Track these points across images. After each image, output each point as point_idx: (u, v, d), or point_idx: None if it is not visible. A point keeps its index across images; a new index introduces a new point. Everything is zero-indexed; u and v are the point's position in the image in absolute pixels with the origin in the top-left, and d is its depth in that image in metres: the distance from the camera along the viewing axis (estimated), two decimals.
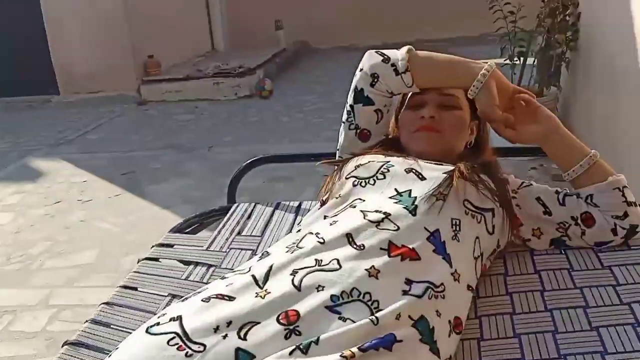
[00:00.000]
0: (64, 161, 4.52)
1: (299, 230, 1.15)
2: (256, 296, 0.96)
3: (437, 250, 1.05)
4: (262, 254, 1.11)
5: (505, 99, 1.28)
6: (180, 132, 5.08)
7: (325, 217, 1.17)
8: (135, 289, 1.37)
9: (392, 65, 1.29)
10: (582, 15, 3.19)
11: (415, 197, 1.11)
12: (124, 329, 1.20)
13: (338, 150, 1.44)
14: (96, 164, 4.38)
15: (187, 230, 1.66)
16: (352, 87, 1.36)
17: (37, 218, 3.54)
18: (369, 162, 1.23)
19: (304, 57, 7.85)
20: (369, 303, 0.93)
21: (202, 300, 0.98)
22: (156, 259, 1.49)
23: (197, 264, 1.45)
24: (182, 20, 7.13)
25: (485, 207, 1.17)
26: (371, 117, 1.36)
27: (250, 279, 1.00)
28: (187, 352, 0.89)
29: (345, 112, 1.39)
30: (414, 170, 1.18)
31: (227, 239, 1.55)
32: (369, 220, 1.06)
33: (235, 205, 1.74)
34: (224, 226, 1.62)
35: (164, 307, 1.26)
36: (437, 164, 1.21)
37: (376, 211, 1.08)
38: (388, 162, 1.22)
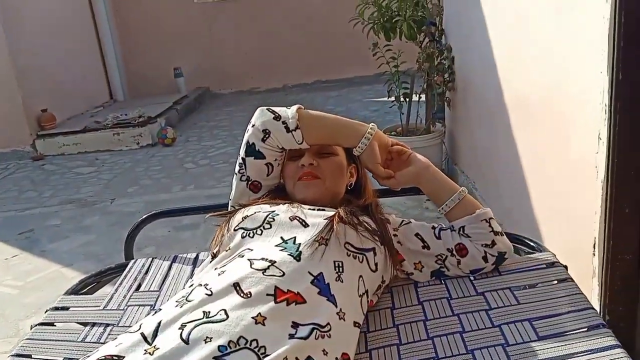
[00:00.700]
0: None
1: (191, 285, 1.19)
2: (145, 353, 0.99)
3: (322, 292, 1.12)
4: (155, 311, 1.14)
5: (384, 153, 1.42)
6: (81, 186, 4.94)
7: (215, 268, 1.22)
8: (29, 356, 1.34)
9: (283, 122, 1.37)
10: (456, 59, 3.44)
11: (300, 244, 1.19)
12: None
13: (230, 200, 1.49)
14: None
15: (83, 291, 1.64)
16: (244, 141, 1.43)
17: None
18: (255, 212, 1.30)
19: (206, 102, 7.87)
20: (256, 350, 0.99)
21: None
22: (51, 324, 1.47)
23: (93, 324, 1.44)
24: (76, 72, 6.99)
25: (366, 247, 1.26)
26: (262, 169, 1.43)
27: (139, 337, 1.03)
28: None
29: (237, 164, 1.46)
30: (297, 218, 1.26)
31: (124, 296, 1.56)
32: (255, 269, 1.12)
33: (133, 261, 1.75)
34: (121, 283, 1.63)
35: None
36: (320, 210, 1.31)
37: (262, 259, 1.15)
38: (273, 211, 1.29)
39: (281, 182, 1.48)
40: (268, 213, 1.29)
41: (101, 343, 1.35)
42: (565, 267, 1.37)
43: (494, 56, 2.61)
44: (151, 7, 7.95)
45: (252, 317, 1.02)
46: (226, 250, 1.28)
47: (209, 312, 1.04)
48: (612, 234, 1.49)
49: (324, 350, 1.05)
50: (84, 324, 1.45)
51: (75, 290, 1.63)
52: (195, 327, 1.01)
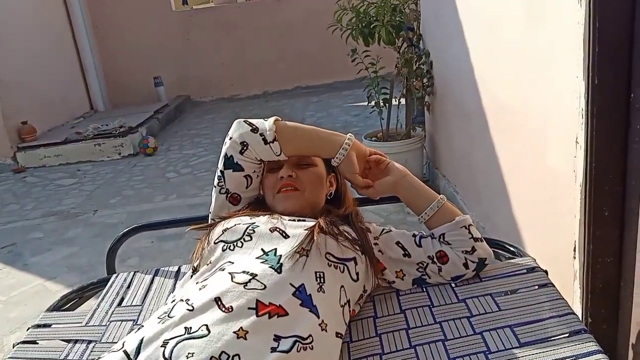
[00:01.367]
0: None
1: (173, 300, 1.19)
2: None
3: (304, 304, 1.12)
4: (137, 328, 1.13)
5: (362, 162, 1.43)
6: (63, 198, 4.90)
7: (196, 282, 1.21)
8: None
9: (261, 134, 1.36)
10: (434, 64, 3.46)
11: (281, 256, 1.18)
12: None
13: (210, 213, 1.49)
14: None
15: (65, 307, 1.63)
16: (222, 154, 1.42)
17: None
18: (235, 225, 1.29)
19: (187, 110, 7.85)
20: None
21: None
22: (33, 342, 1.45)
23: (76, 341, 1.42)
24: (56, 84, 6.94)
25: (347, 257, 1.26)
26: (241, 182, 1.42)
27: (122, 355, 1.03)
28: None
29: (216, 176, 1.45)
30: (278, 229, 1.26)
31: (107, 312, 1.54)
32: (236, 282, 1.11)
33: (115, 275, 1.73)
34: (103, 299, 1.61)
35: None
36: (300, 220, 1.31)
37: (243, 272, 1.14)
38: (253, 223, 1.29)
39: (261, 194, 1.48)
40: (248, 225, 1.28)
41: None
42: (546, 272, 1.38)
43: (470, 61, 2.63)
44: (129, 17, 7.91)
45: (234, 332, 1.02)
46: (207, 264, 1.27)
47: (191, 327, 1.03)
48: (592, 237, 1.51)
49: None
50: (67, 341, 1.43)
51: (57, 307, 1.60)
52: (177, 343, 1.00)
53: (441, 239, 1.38)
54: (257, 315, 1.05)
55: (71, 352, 1.39)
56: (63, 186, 5.26)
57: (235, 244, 1.25)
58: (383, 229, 1.44)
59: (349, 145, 1.38)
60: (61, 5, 7.33)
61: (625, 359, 1.59)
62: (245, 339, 1.02)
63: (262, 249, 1.22)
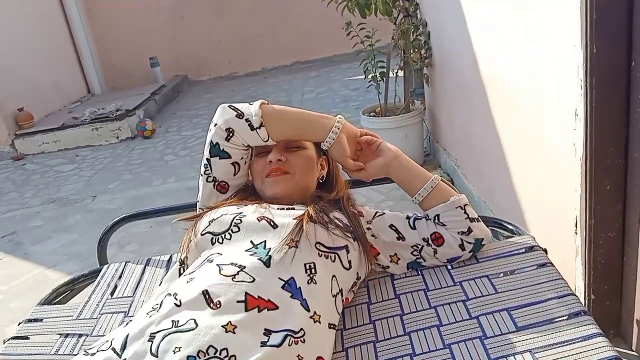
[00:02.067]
0: None
1: (162, 292, 1.15)
2: None
3: (294, 296, 1.08)
4: (127, 323, 1.11)
5: (353, 144, 1.38)
6: (62, 184, 4.87)
7: (184, 275, 1.18)
8: None
9: (247, 120, 1.31)
10: (432, 35, 3.38)
11: (270, 249, 1.14)
12: None
13: (198, 202, 1.45)
14: None
15: (56, 301, 1.61)
16: (208, 141, 1.37)
17: None
18: (221, 215, 1.25)
19: (184, 91, 7.77)
20: (226, 359, 0.95)
21: None
22: (25, 337, 1.43)
23: (67, 335, 1.41)
24: (50, 68, 6.88)
25: (338, 245, 1.22)
26: (228, 169, 1.38)
27: (111, 352, 1.01)
28: None
29: (202, 165, 1.40)
30: (265, 218, 1.22)
31: (98, 304, 1.52)
32: (224, 275, 1.08)
33: (106, 266, 1.71)
34: (94, 291, 1.59)
35: None
36: (289, 209, 1.26)
37: (231, 264, 1.11)
38: (240, 213, 1.24)
39: (249, 181, 1.43)
40: (235, 215, 1.24)
41: (74, 354, 1.32)
42: (545, 250, 1.34)
43: (468, 31, 2.55)
44: None
45: (222, 326, 0.99)
46: (196, 257, 1.24)
47: (178, 321, 1.01)
48: (594, 212, 1.46)
49: (298, 356, 1.02)
50: (58, 335, 1.41)
51: (48, 300, 1.59)
52: (164, 337, 0.98)
53: (436, 220, 1.34)
54: (246, 310, 1.03)
55: (62, 347, 1.37)
56: (62, 172, 5.23)
57: (223, 235, 1.22)
58: (376, 212, 1.39)
59: (338, 129, 1.33)
60: None
61: (630, 334, 1.55)
62: (234, 333, 0.99)
63: (251, 241, 1.18)
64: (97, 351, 1.05)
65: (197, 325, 0.99)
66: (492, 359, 1.05)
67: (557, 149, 1.63)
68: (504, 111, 2.23)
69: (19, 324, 1.49)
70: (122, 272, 1.66)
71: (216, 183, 1.39)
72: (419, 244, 1.34)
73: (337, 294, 1.20)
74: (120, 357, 0.99)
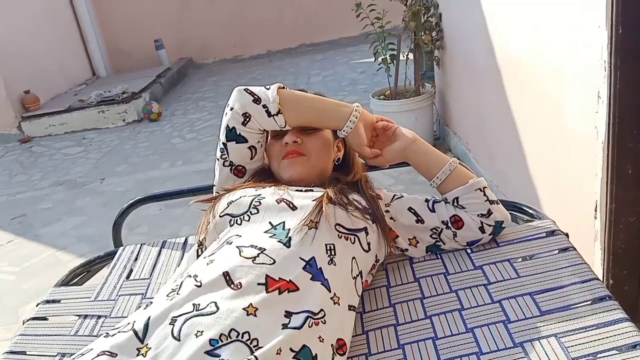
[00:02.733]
0: None
1: (181, 276, 1.15)
2: (138, 354, 0.96)
3: (314, 278, 1.08)
4: (147, 305, 1.10)
5: (369, 132, 1.36)
6: (70, 167, 4.88)
7: (204, 257, 1.17)
8: (23, 353, 1.31)
9: (264, 106, 1.30)
10: (443, 16, 3.34)
11: (289, 229, 1.13)
12: None
13: (214, 185, 1.44)
14: None
15: (73, 282, 1.61)
16: (223, 125, 1.36)
17: None
18: (240, 197, 1.24)
19: (189, 74, 7.74)
20: (248, 342, 0.95)
21: (86, 359, 0.97)
22: (43, 318, 1.43)
23: (85, 316, 1.41)
24: (56, 51, 6.85)
25: (358, 227, 1.21)
26: (245, 154, 1.37)
27: (132, 334, 1.00)
28: None
29: (218, 149, 1.39)
30: (285, 200, 1.21)
31: (115, 286, 1.52)
32: (245, 257, 1.07)
33: (122, 248, 1.71)
34: (110, 273, 1.59)
35: None
36: (308, 191, 1.25)
37: (251, 246, 1.10)
38: (259, 195, 1.23)
39: (266, 164, 1.42)
40: (254, 197, 1.23)
41: (94, 336, 1.32)
42: (567, 235, 1.32)
43: (482, 11, 2.51)
44: None
45: (243, 309, 0.98)
46: (215, 239, 1.23)
47: (199, 304, 1.00)
48: (615, 196, 1.44)
49: (319, 338, 1.01)
50: (76, 316, 1.41)
51: (65, 282, 1.59)
52: (185, 321, 0.97)
53: (455, 203, 1.33)
54: (267, 291, 1.02)
55: (81, 328, 1.37)
56: (69, 155, 5.23)
57: (242, 217, 1.21)
58: (394, 195, 1.38)
59: (356, 118, 1.31)
60: None
61: None
62: (255, 315, 0.98)
63: (270, 222, 1.17)
64: (118, 332, 1.04)
65: (218, 308, 0.98)
66: (516, 343, 1.05)
67: (577, 132, 1.61)
68: (519, 93, 2.20)
69: (37, 305, 1.49)
70: (137, 254, 1.66)
71: (233, 167, 1.38)
72: (439, 227, 1.33)
73: (357, 275, 1.20)
74: (142, 341, 0.98)
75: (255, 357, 0.92)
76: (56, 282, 1.59)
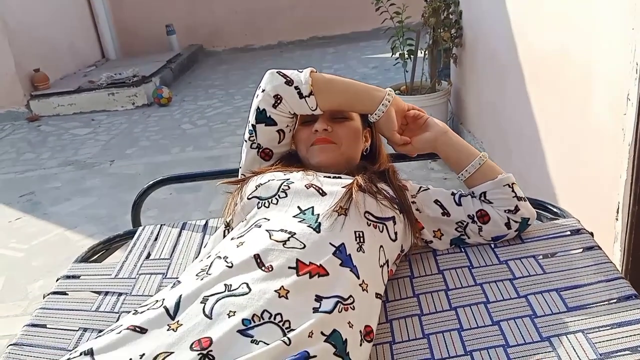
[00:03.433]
0: None
1: (208, 256, 1.15)
2: (168, 329, 0.96)
3: (344, 264, 1.08)
4: (174, 283, 1.10)
5: (400, 119, 1.37)
6: (79, 147, 4.88)
7: (232, 238, 1.17)
8: (44, 326, 1.31)
9: (296, 88, 1.30)
10: (464, 14, 3.34)
11: (318, 215, 1.14)
12: None
13: (240, 167, 1.44)
14: None
15: (92, 259, 1.61)
16: (254, 107, 1.36)
17: None
18: (269, 181, 1.25)
19: (200, 60, 7.72)
20: (281, 324, 0.95)
21: (115, 333, 0.97)
22: (63, 293, 1.44)
23: (106, 293, 1.41)
24: (67, 31, 6.83)
25: (386, 216, 1.21)
26: (273, 137, 1.37)
27: (162, 311, 1.00)
28: None
29: (247, 131, 1.40)
30: (314, 186, 1.21)
31: (135, 264, 1.53)
32: (275, 240, 1.07)
33: (141, 228, 1.71)
34: (130, 251, 1.59)
35: (76, 343, 1.23)
36: (336, 178, 1.26)
37: (281, 230, 1.10)
38: (288, 179, 1.24)
39: (292, 149, 1.43)
40: (283, 181, 1.24)
41: (115, 312, 1.33)
42: (592, 234, 1.33)
43: (506, 7, 2.51)
44: None
45: (275, 291, 0.99)
46: (242, 220, 1.23)
47: (231, 285, 1.00)
48: (639, 199, 1.44)
49: (349, 323, 1.02)
50: (97, 293, 1.42)
51: (85, 258, 1.59)
52: (217, 300, 0.98)
53: (482, 198, 1.33)
54: (298, 275, 1.02)
55: (102, 304, 1.38)
56: (78, 136, 5.23)
57: (270, 200, 1.21)
58: (420, 187, 1.39)
59: (389, 102, 1.32)
60: None
61: None
62: (287, 298, 0.99)
63: (298, 207, 1.18)
64: (148, 309, 1.05)
65: (250, 289, 0.99)
66: (543, 337, 1.05)
67: (603, 133, 1.61)
68: (541, 91, 2.20)
69: (57, 280, 1.49)
70: (157, 235, 1.66)
71: (260, 150, 1.39)
72: (464, 221, 1.33)
73: (384, 264, 1.20)
74: (173, 318, 0.98)
75: (289, 338, 0.93)
76: (75, 258, 1.59)
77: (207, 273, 1.06)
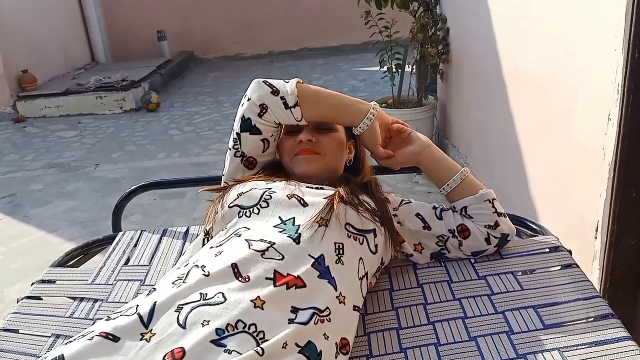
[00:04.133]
0: None
1: (186, 264, 1.14)
2: (142, 339, 0.95)
3: (322, 276, 1.08)
4: (150, 291, 1.09)
5: (385, 132, 1.38)
6: (64, 150, 4.84)
7: (211, 247, 1.17)
8: (16, 331, 1.29)
9: (282, 98, 1.30)
10: (451, 31, 3.37)
11: (299, 226, 1.13)
12: None
13: (224, 176, 1.44)
14: None
15: (70, 264, 1.59)
16: (239, 115, 1.36)
17: None
18: (251, 190, 1.24)
19: (190, 67, 7.71)
20: (255, 334, 0.94)
21: (86, 339, 0.96)
22: (38, 298, 1.42)
23: (82, 299, 1.39)
24: (57, 32, 6.80)
25: (367, 228, 1.21)
26: (258, 146, 1.37)
27: (136, 318, 0.99)
28: None
29: (231, 139, 1.39)
30: (296, 196, 1.21)
31: (113, 270, 1.51)
32: (255, 250, 1.07)
33: (121, 233, 1.69)
34: (109, 257, 1.57)
35: (48, 349, 1.21)
36: (319, 189, 1.25)
37: (261, 240, 1.10)
38: (270, 189, 1.23)
39: (277, 158, 1.43)
40: (265, 190, 1.23)
41: (90, 319, 1.31)
42: (570, 252, 1.34)
43: (493, 27, 2.54)
44: None
45: (251, 301, 0.98)
46: (222, 229, 1.23)
47: (207, 294, 1.00)
48: (618, 218, 1.46)
49: (325, 335, 1.02)
50: (72, 299, 1.40)
51: (62, 263, 1.57)
52: (192, 309, 0.97)
53: (463, 213, 1.34)
54: (275, 286, 1.02)
55: (77, 310, 1.36)
56: (64, 138, 5.19)
57: (251, 210, 1.20)
58: (403, 200, 1.39)
59: (373, 116, 1.33)
60: None
61: None
62: (263, 309, 0.98)
63: (280, 218, 1.17)
64: (121, 316, 1.04)
65: (225, 299, 0.98)
66: (520, 354, 1.05)
67: (584, 152, 1.63)
68: (525, 109, 2.22)
69: (32, 284, 1.47)
70: (137, 241, 1.65)
71: (244, 159, 1.38)
72: (445, 235, 1.34)
73: (363, 277, 1.20)
74: (146, 326, 0.97)
75: (262, 349, 0.92)
76: (52, 263, 1.57)
77: (183, 282, 1.04)
